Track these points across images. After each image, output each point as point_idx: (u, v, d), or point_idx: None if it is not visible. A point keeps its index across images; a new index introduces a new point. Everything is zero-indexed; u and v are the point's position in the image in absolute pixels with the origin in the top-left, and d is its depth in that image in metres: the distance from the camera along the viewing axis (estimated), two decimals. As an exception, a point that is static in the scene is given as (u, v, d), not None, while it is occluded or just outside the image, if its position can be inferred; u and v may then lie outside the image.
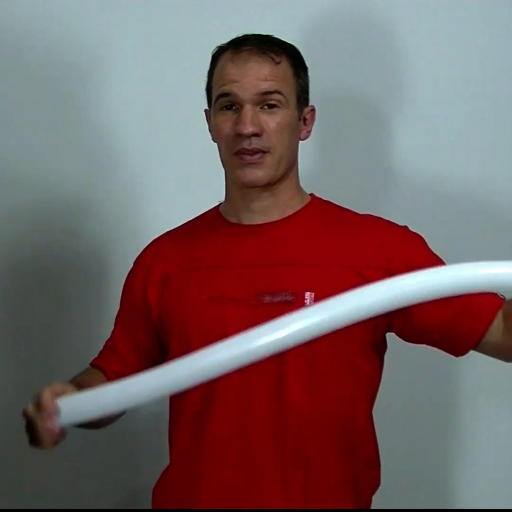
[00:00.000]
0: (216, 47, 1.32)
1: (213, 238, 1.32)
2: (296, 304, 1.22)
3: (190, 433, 1.27)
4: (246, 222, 1.31)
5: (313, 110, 1.34)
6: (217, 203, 1.38)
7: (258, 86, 1.24)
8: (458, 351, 1.29)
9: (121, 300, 1.40)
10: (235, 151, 1.25)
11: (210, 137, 1.34)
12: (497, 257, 1.84)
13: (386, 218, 1.33)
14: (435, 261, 1.27)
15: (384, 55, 1.83)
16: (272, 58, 1.26)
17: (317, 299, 1.21)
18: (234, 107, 1.26)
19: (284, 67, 1.28)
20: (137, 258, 1.40)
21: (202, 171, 1.67)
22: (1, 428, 1.80)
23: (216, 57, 1.31)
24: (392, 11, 1.81)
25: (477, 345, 1.26)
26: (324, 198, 1.36)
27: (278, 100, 1.25)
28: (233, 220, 1.33)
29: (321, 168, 1.76)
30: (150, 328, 1.34)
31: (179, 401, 1.27)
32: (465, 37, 1.82)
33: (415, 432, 1.84)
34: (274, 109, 1.25)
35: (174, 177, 1.82)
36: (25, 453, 1.79)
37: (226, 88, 1.25)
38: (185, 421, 1.28)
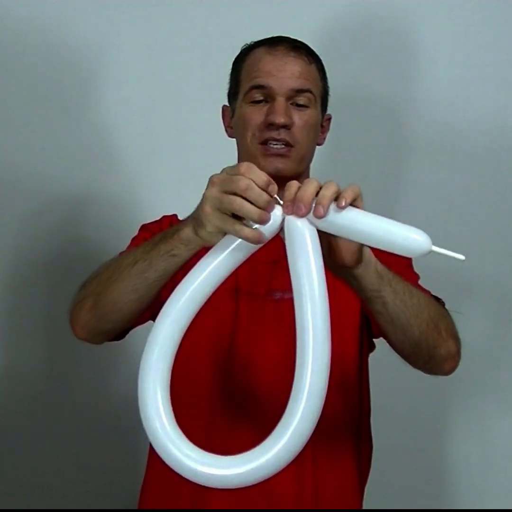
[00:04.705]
0: (246, 44, 1.34)
1: None
2: None
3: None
4: None
5: (330, 119, 1.37)
6: None
7: (293, 82, 1.27)
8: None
9: (136, 236, 1.32)
10: (263, 140, 1.26)
11: (226, 134, 1.35)
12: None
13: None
14: None
15: (394, 56, 1.85)
16: (306, 58, 1.30)
17: None
18: (264, 100, 1.27)
19: (314, 69, 1.32)
20: (157, 220, 1.35)
21: (203, 170, 1.65)
22: (2, 427, 1.81)
23: (246, 52, 1.33)
24: (402, 11, 1.84)
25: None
26: None
27: (309, 99, 1.28)
28: None
29: (330, 169, 1.77)
30: None
31: (190, 390, 1.24)
32: (477, 37, 1.84)
33: (412, 432, 1.86)
34: (303, 107, 1.28)
35: (174, 177, 1.82)
36: (25, 452, 1.81)
37: (262, 80, 1.27)
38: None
